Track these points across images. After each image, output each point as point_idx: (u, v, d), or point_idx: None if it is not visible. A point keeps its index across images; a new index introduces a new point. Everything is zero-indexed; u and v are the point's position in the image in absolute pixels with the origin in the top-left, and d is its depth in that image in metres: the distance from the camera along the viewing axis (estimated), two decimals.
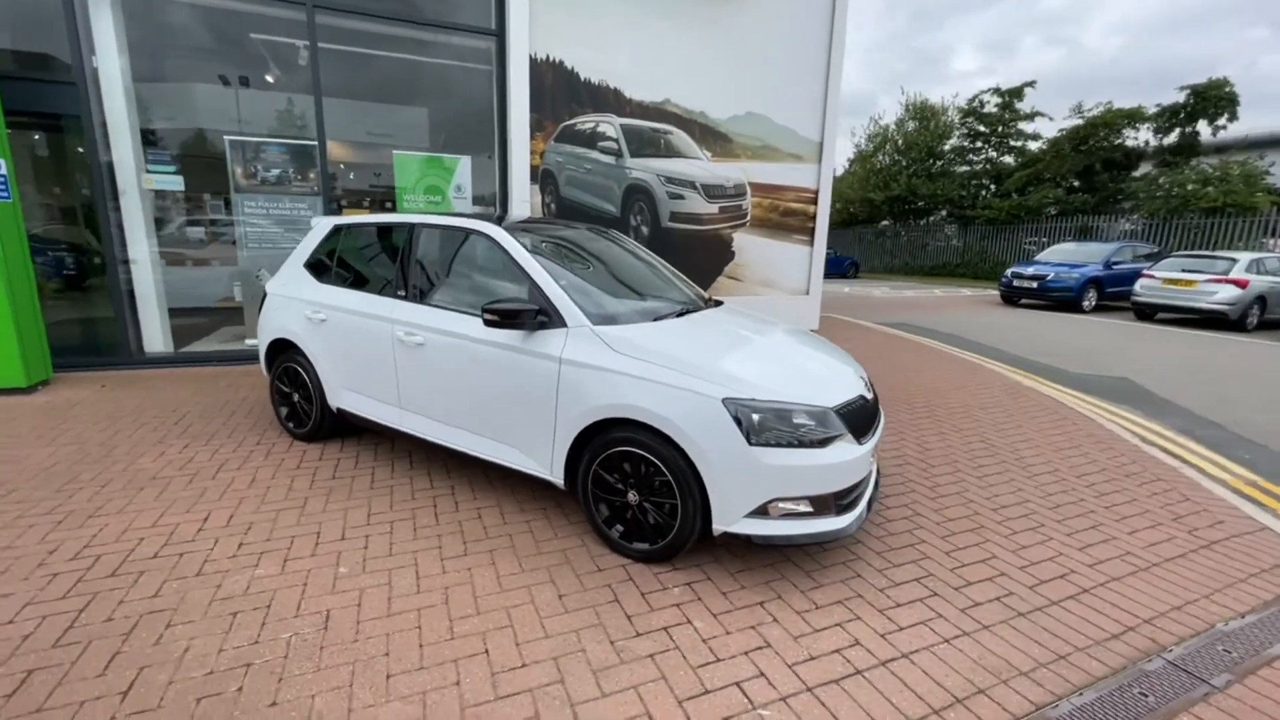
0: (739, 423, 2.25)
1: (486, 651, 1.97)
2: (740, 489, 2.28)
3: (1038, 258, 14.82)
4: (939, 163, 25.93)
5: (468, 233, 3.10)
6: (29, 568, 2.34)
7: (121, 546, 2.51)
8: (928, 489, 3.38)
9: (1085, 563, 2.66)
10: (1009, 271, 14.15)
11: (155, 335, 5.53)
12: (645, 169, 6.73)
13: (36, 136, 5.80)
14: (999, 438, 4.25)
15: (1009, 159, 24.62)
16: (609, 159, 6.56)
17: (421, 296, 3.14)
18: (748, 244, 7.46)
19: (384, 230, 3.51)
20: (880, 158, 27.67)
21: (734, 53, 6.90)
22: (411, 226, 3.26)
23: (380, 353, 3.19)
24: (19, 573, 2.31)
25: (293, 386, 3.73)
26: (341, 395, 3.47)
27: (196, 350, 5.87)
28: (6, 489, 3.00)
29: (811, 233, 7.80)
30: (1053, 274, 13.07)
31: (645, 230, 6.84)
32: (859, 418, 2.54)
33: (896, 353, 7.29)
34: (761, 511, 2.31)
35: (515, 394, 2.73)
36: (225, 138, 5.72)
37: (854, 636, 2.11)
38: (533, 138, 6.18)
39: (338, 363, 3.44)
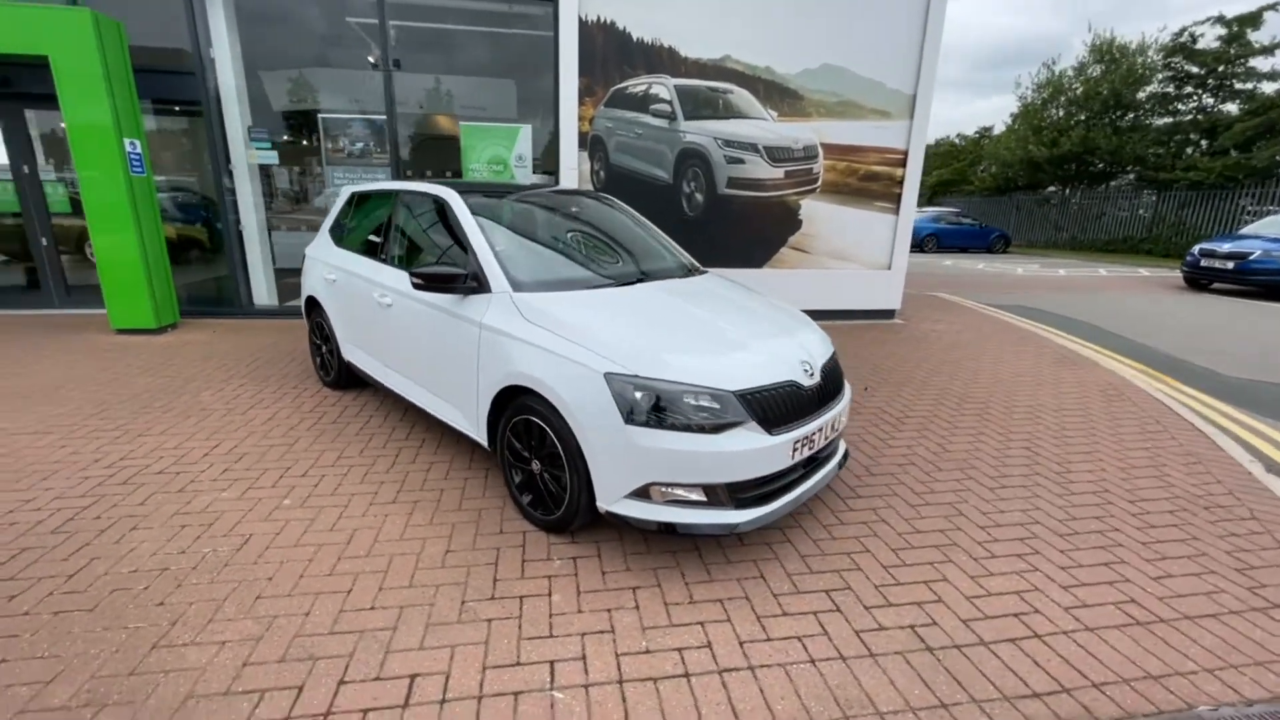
0: (618, 399, 2.13)
1: (350, 591, 2.12)
2: (617, 468, 2.18)
3: (1244, 230, 11.85)
4: (1129, 115, 21.48)
5: (430, 198, 3.21)
6: (73, 470, 2.94)
7: (142, 462, 3.05)
8: (914, 495, 2.95)
9: (1061, 604, 2.17)
10: (1196, 248, 11.47)
11: (262, 290, 6.51)
12: (701, 132, 6.41)
13: (168, 120, 6.95)
14: (1052, 447, 3.56)
15: (1231, 106, 19.70)
16: (661, 123, 6.35)
17: (395, 260, 3.34)
18: (818, 212, 6.85)
19: (379, 197, 3.76)
20: (1052, 111, 23.54)
21: None
22: (395, 194, 3.45)
23: (369, 312, 3.46)
24: (64, 473, 2.91)
25: (321, 339, 4.20)
26: (349, 350, 3.84)
27: (295, 304, 6.80)
28: (101, 408, 3.76)
29: (898, 199, 6.94)
30: (1259, 251, 10.38)
31: (700, 197, 6.57)
32: (780, 405, 2.28)
33: (983, 340, 6.33)
34: (643, 494, 2.19)
35: (451, 355, 2.82)
36: (319, 115, 6.46)
37: (709, 638, 1.95)
38: (582, 103, 6.16)
39: (344, 320, 3.80)
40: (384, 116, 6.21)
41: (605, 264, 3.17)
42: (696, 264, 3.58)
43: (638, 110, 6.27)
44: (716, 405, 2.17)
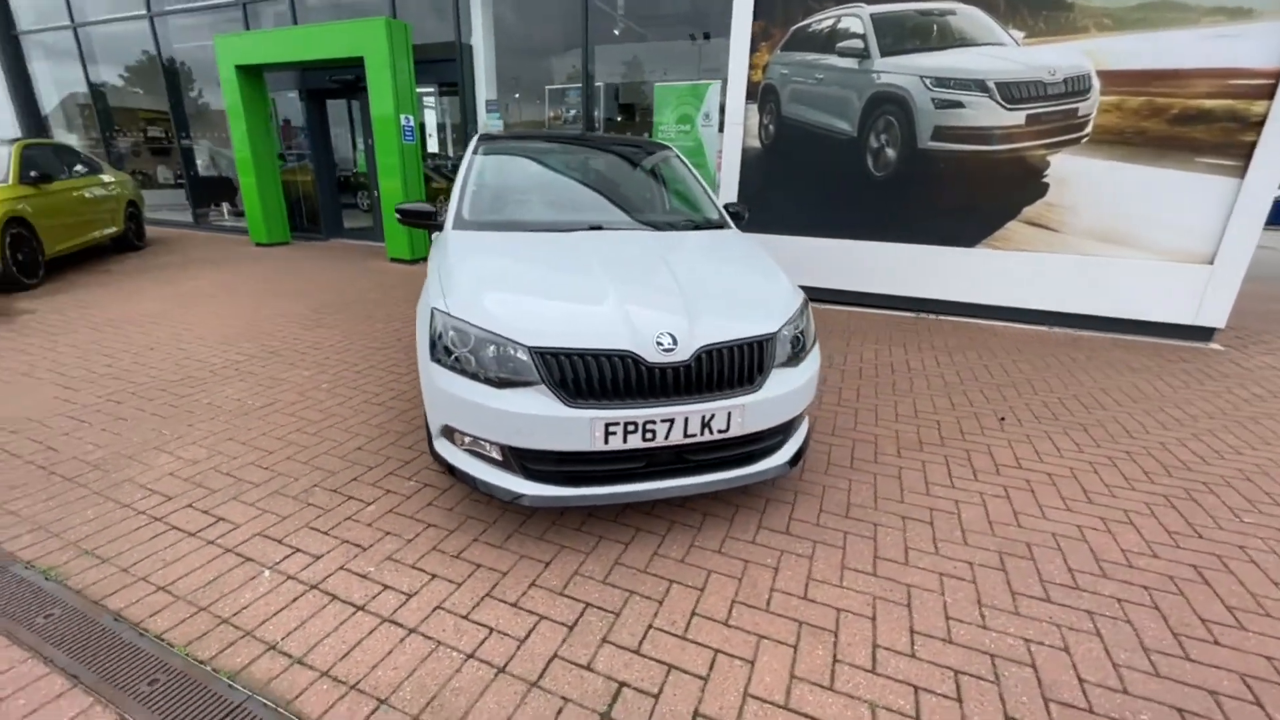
0: (433, 336, 2.07)
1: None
2: (430, 405, 2.13)
3: None
4: None
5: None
6: (167, 347, 4.27)
7: (185, 345, 4.24)
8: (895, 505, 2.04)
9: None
10: None
11: None
12: (900, 70, 5.09)
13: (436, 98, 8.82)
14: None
15: None
16: (848, 63, 5.26)
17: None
18: (1080, 171, 4.78)
19: None
20: None
21: None
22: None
23: None
24: (164, 353, 4.25)
25: None
26: None
27: None
28: (221, 291, 5.28)
29: (1247, 152, 4.35)
30: None
31: (891, 153, 5.29)
32: (595, 375, 1.86)
33: None
34: (449, 435, 2.10)
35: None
36: (545, 88, 7.42)
37: (381, 582, 1.81)
38: (757, 50, 5.56)
39: None
40: (595, 85, 6.77)
41: (569, 211, 2.98)
42: (720, 219, 3.06)
43: (820, 51, 5.35)
44: (508, 358, 1.91)
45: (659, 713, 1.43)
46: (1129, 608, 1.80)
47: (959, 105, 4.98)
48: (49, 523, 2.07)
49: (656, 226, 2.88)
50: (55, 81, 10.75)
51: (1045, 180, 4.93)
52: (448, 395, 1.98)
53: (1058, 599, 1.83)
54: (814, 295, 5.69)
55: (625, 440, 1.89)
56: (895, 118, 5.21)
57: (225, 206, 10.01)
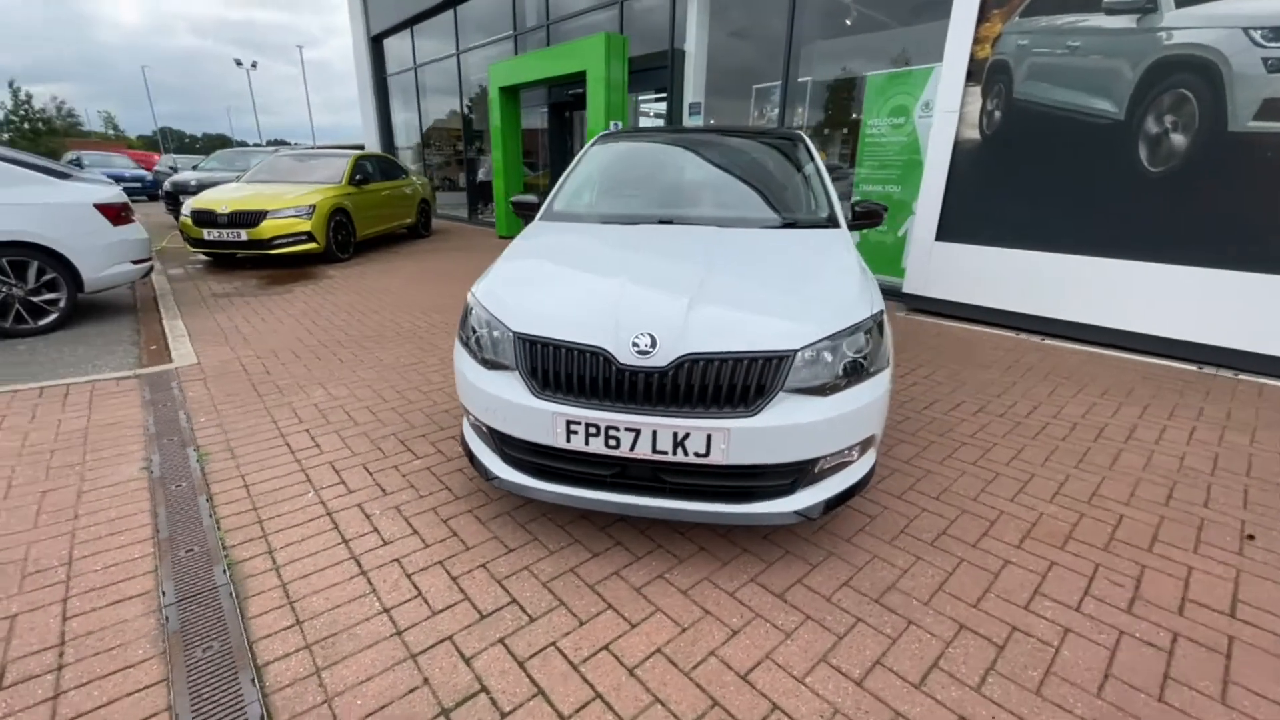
0: (464, 315, 2.20)
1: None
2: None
3: None
4: None
5: None
6: (321, 315, 5.10)
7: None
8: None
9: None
10: None
11: None
12: (1209, 22, 3.58)
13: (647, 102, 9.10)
14: None
15: None
16: (1121, 22, 3.90)
17: None
18: None
19: None
20: None
21: None
22: None
23: None
24: (334, 315, 5.09)
25: None
26: None
27: None
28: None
29: None
30: None
31: (1178, 141, 3.78)
32: (565, 370, 1.78)
33: None
34: (465, 410, 2.22)
35: None
36: (753, 87, 7.26)
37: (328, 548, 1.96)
38: (985, 20, 4.51)
39: None
40: (799, 82, 6.41)
41: (649, 204, 2.87)
42: (829, 218, 2.62)
43: (1079, 11, 4.11)
44: (499, 340, 1.93)
45: None
46: None
47: None
48: (229, 424, 2.82)
49: (741, 223, 2.59)
50: (399, 108, 14.43)
51: None
52: (458, 372, 2.10)
53: None
54: (1041, 327, 4.48)
55: (587, 442, 1.76)
56: (1192, 91, 3.75)
57: (491, 206, 12.18)
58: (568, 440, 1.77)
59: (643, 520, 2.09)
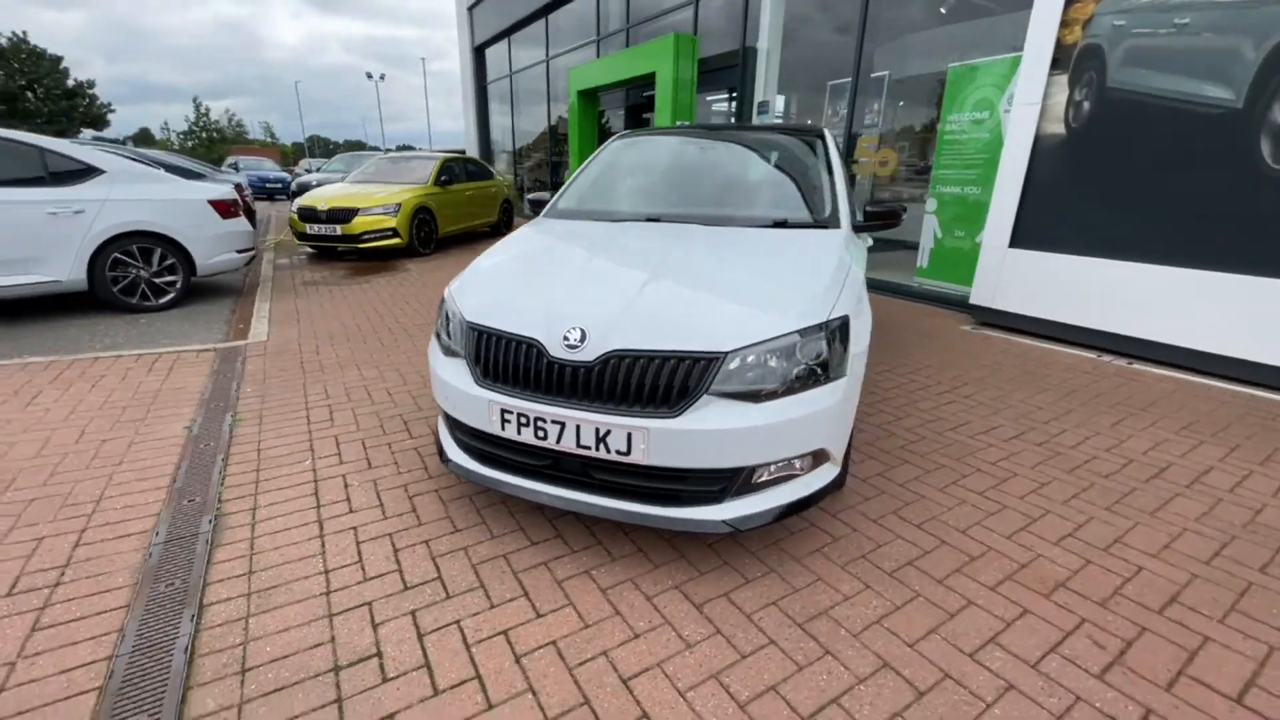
0: (441, 302, 2.32)
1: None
2: None
3: None
4: None
5: None
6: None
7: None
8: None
9: None
10: None
11: None
12: None
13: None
14: None
15: None
16: None
17: None
18: None
19: None
20: None
21: None
22: None
23: None
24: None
25: None
26: None
27: None
28: None
29: None
30: None
31: None
32: (500, 360, 1.83)
33: None
34: None
35: None
36: (828, 83, 6.95)
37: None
38: (1075, 1, 3.98)
39: None
40: (872, 78, 6.06)
41: (643, 202, 2.88)
42: (829, 218, 2.47)
43: None
44: (456, 328, 2.02)
45: (374, 696, 1.38)
46: None
47: None
48: (269, 395, 3.17)
49: (728, 221, 2.51)
50: (496, 114, 15.28)
51: None
52: (429, 358, 2.22)
53: None
54: (1129, 349, 3.93)
55: (519, 432, 1.80)
56: None
57: None
58: (503, 428, 1.83)
59: (588, 516, 2.09)
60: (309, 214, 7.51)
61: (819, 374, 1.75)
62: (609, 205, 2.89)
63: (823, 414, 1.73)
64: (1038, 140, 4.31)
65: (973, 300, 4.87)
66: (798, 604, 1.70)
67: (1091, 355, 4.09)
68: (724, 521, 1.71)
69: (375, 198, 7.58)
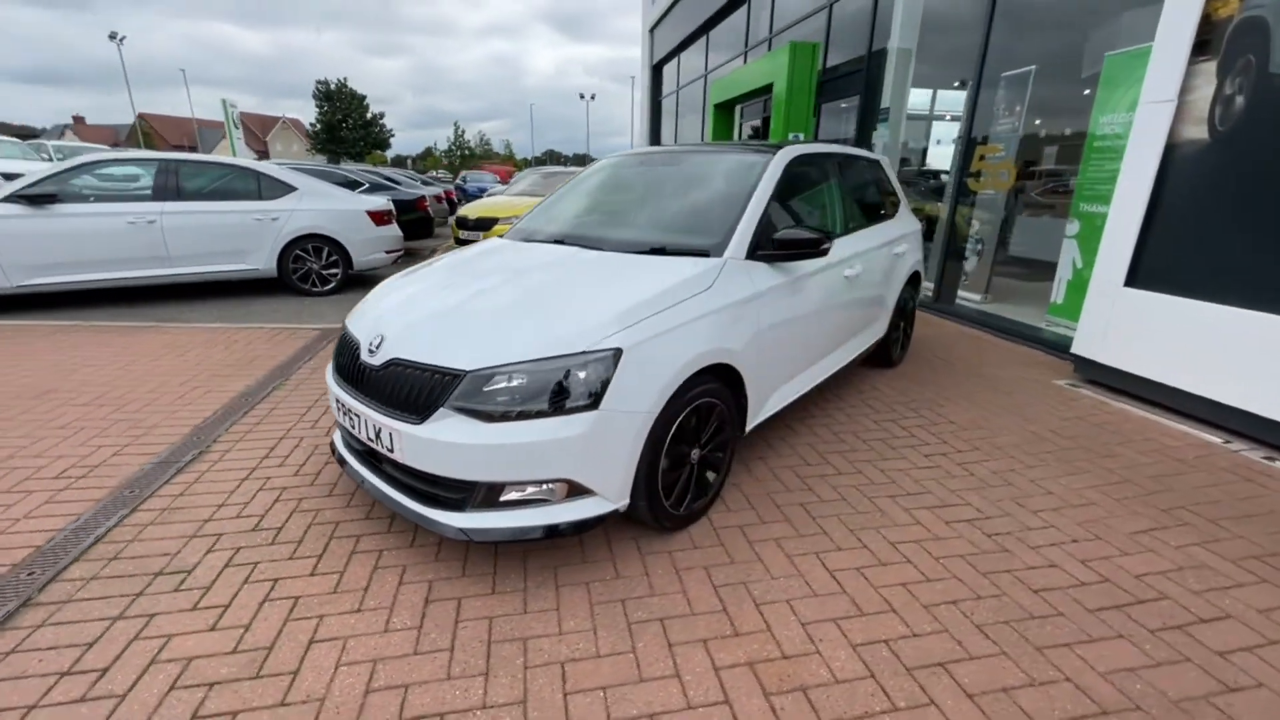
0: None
1: None
2: None
3: None
4: None
5: None
6: None
7: None
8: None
9: None
10: None
11: None
12: None
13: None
14: None
15: None
16: None
17: None
18: None
19: None
20: None
21: None
22: None
23: None
24: None
25: None
26: None
27: None
28: None
29: None
30: None
31: None
32: (341, 355, 2.18)
33: None
34: None
35: None
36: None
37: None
38: None
39: None
40: (1005, 74, 5.17)
41: (564, 224, 2.99)
42: (716, 246, 2.33)
43: None
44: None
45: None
46: None
47: None
48: (319, 368, 3.98)
49: (604, 244, 2.51)
50: (665, 128, 15.96)
51: None
52: None
53: None
54: None
55: (344, 418, 2.12)
56: None
57: None
58: (338, 413, 2.17)
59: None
60: (463, 222, 8.88)
61: (561, 403, 1.74)
62: (542, 225, 3.05)
63: (564, 443, 1.74)
64: (1171, 149, 3.29)
65: (1075, 349, 3.88)
66: (613, 624, 1.73)
67: (1218, 439, 3.01)
68: (460, 529, 1.82)
69: (515, 209, 8.62)
